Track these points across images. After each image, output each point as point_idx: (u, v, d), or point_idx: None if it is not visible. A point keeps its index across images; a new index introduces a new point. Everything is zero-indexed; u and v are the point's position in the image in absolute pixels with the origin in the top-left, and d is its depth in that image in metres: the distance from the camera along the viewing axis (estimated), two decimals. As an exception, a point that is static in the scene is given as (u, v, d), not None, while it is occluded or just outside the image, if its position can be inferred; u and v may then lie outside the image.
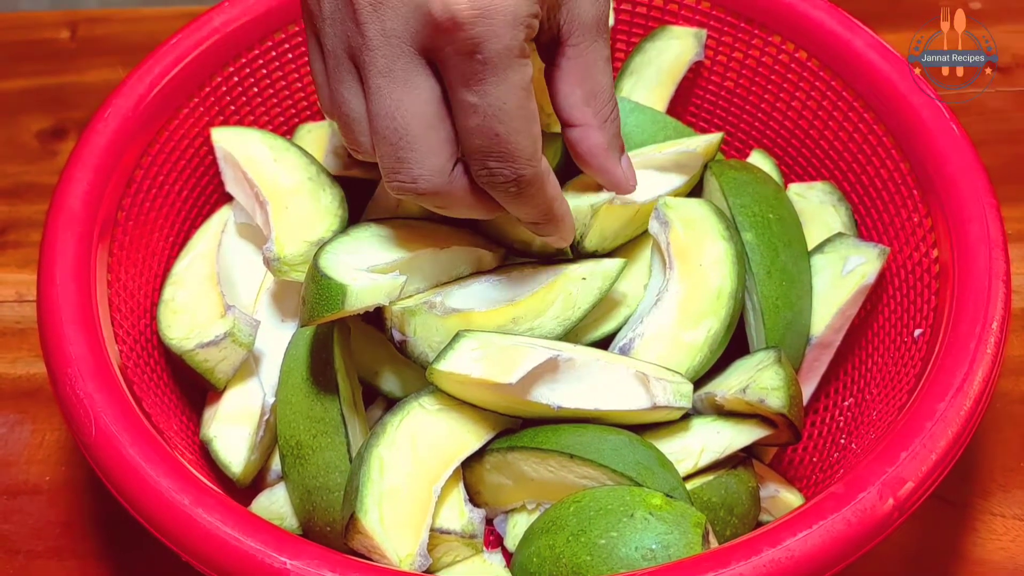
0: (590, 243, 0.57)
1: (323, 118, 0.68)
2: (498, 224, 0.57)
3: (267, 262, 0.55)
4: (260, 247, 0.59)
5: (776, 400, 0.52)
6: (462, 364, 0.51)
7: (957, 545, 0.58)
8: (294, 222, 0.57)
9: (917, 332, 0.53)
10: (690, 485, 0.53)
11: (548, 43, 0.49)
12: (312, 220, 0.57)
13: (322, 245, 0.53)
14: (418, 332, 0.53)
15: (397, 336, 0.53)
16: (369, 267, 0.52)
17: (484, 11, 0.42)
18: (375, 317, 0.54)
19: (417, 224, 0.57)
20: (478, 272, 0.57)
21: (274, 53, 0.64)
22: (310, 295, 0.51)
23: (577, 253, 0.57)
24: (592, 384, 0.53)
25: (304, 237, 0.56)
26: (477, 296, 0.55)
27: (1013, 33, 0.78)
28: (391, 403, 0.57)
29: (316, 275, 0.50)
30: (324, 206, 0.58)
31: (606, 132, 0.51)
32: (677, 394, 0.53)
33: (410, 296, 0.54)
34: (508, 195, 0.47)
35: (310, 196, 0.58)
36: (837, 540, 0.41)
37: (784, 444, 0.57)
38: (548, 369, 0.52)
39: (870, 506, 0.42)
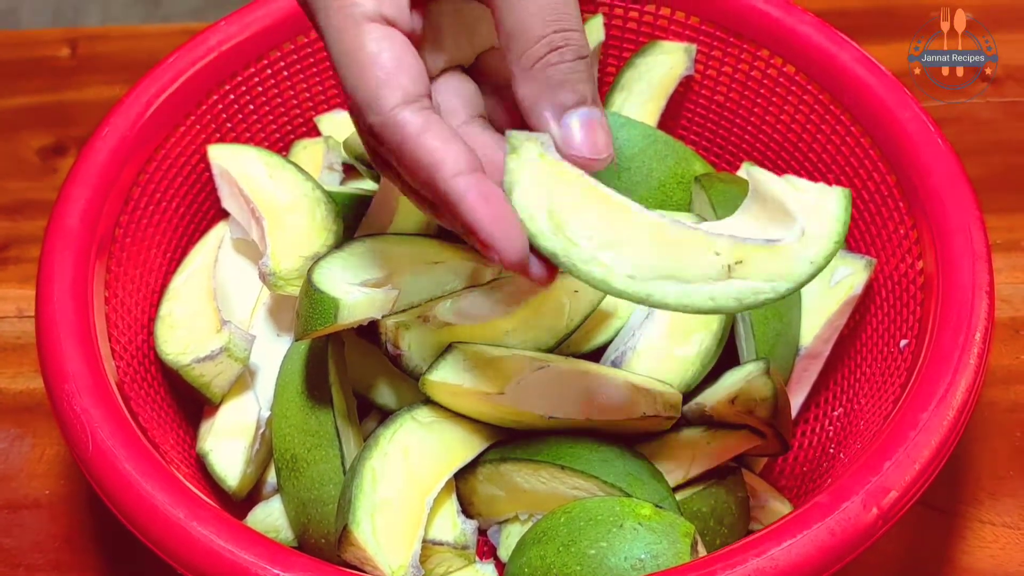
0: None
1: (318, 134, 0.69)
2: None
3: (263, 277, 0.56)
4: (256, 262, 0.60)
5: (764, 411, 0.53)
6: (454, 375, 0.52)
7: (947, 553, 0.59)
8: (290, 237, 0.58)
9: (903, 343, 0.53)
10: (680, 495, 0.53)
11: None
12: (307, 235, 0.58)
13: (316, 260, 0.54)
14: (412, 346, 0.54)
15: (392, 350, 0.54)
16: (362, 281, 0.53)
17: None
18: (370, 331, 0.55)
19: (411, 239, 0.57)
20: (472, 286, 0.58)
21: (270, 71, 0.65)
22: (304, 309, 0.51)
23: None
24: (582, 393, 0.54)
25: (299, 252, 0.57)
26: (470, 309, 0.55)
27: (1003, 44, 0.79)
28: (386, 416, 0.57)
29: (309, 289, 0.51)
30: (319, 221, 0.59)
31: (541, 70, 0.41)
32: (666, 404, 0.54)
33: (404, 310, 0.55)
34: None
35: (305, 212, 0.59)
36: (821, 549, 0.42)
37: (773, 454, 0.58)
38: (539, 379, 0.53)
39: (854, 515, 0.43)
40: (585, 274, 0.41)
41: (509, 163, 0.42)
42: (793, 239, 0.42)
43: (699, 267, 0.41)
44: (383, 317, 0.53)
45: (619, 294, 0.41)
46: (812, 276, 0.42)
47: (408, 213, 0.58)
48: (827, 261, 0.42)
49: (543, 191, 0.41)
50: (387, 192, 0.60)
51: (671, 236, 0.42)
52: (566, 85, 0.41)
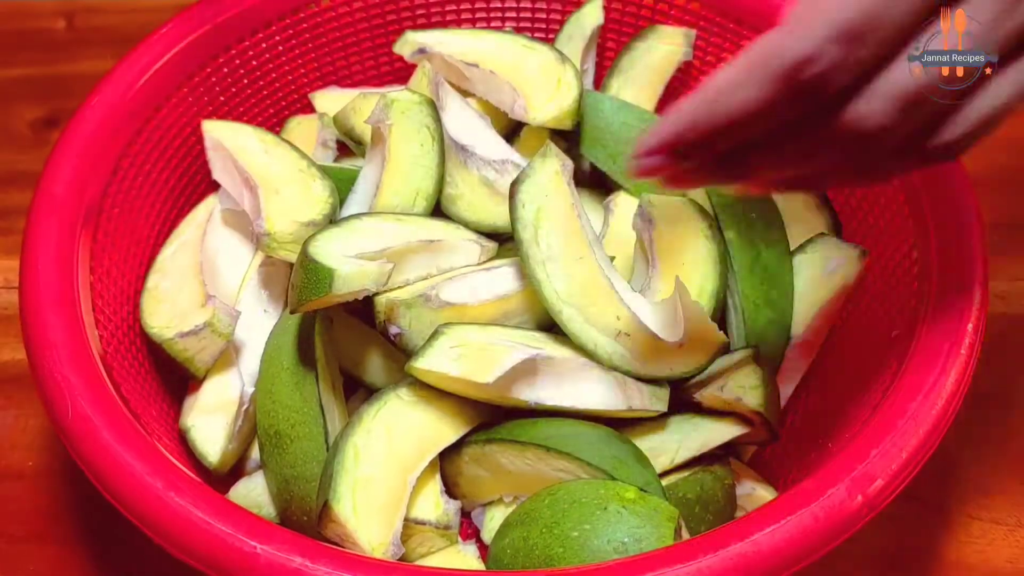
0: None
1: (312, 111, 0.68)
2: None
3: (257, 238, 0.55)
4: (246, 235, 0.59)
5: (752, 399, 0.52)
6: (441, 363, 0.51)
7: (934, 547, 0.58)
8: (285, 204, 0.57)
9: (894, 333, 0.53)
10: (666, 481, 0.53)
11: None
12: (303, 205, 0.57)
13: (312, 234, 0.53)
14: (413, 325, 0.53)
15: (392, 329, 0.53)
16: (358, 254, 0.52)
17: None
18: (360, 308, 0.55)
19: (409, 218, 0.57)
20: (469, 265, 0.57)
21: (264, 45, 0.64)
22: (299, 280, 0.51)
23: None
24: (570, 383, 0.53)
25: (294, 217, 0.56)
26: (470, 290, 0.55)
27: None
28: (373, 393, 0.57)
29: (305, 260, 0.50)
30: (315, 194, 0.58)
31: None
32: (653, 397, 0.53)
33: (400, 287, 0.54)
34: None
35: (301, 185, 0.59)
36: (804, 535, 0.41)
37: (762, 442, 0.57)
38: (527, 368, 0.52)
39: (838, 502, 0.42)
40: (532, 271, 0.53)
41: (535, 160, 0.55)
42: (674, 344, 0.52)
43: (601, 317, 0.53)
44: (377, 293, 0.52)
45: (543, 299, 0.53)
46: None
47: (390, 191, 0.58)
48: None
49: (542, 193, 0.54)
50: (371, 169, 0.59)
51: (596, 281, 0.53)
52: None
